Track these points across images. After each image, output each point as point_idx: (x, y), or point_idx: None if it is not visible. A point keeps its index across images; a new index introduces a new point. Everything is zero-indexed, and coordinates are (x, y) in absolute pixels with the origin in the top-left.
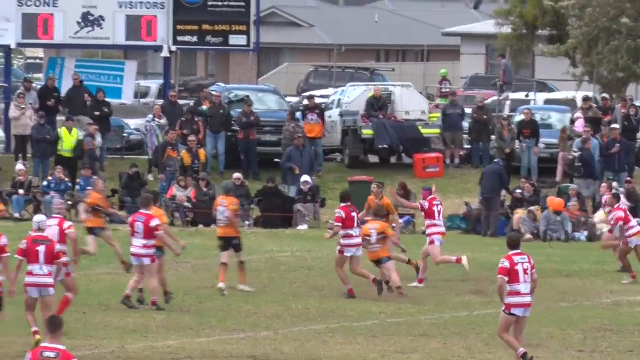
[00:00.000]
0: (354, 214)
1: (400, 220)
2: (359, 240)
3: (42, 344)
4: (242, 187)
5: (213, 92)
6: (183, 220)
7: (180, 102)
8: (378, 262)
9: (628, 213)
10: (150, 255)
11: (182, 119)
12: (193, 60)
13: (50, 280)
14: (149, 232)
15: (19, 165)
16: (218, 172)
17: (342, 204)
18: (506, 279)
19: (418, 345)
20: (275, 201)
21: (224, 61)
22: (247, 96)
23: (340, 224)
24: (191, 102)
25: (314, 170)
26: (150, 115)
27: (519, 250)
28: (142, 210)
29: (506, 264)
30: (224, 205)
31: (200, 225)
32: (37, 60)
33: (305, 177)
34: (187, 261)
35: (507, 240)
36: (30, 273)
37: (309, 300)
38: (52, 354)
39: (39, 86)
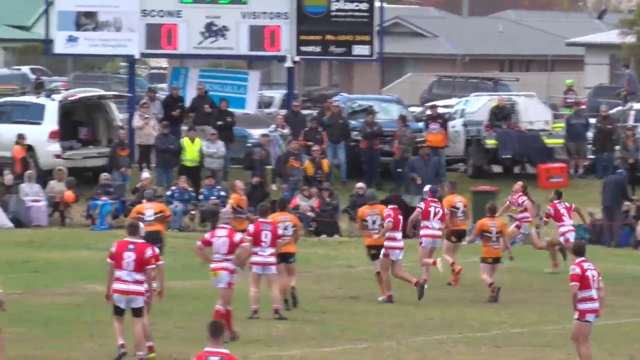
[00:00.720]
0: (400, 217)
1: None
2: (401, 243)
3: (206, 349)
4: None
5: (333, 102)
6: (306, 230)
7: (304, 112)
8: (497, 260)
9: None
10: (276, 263)
11: (306, 129)
12: (317, 70)
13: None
14: (276, 241)
15: (145, 174)
16: (340, 182)
17: (391, 206)
18: (579, 285)
19: (542, 355)
20: None
21: (348, 71)
22: (371, 106)
23: (392, 221)
24: (314, 113)
25: (438, 180)
26: (273, 125)
27: (584, 258)
28: (262, 219)
29: (577, 270)
30: (377, 215)
31: (324, 235)
32: (161, 71)
33: (427, 187)
34: (310, 271)
35: (572, 247)
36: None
37: (431, 310)
38: (216, 358)
39: (162, 96)
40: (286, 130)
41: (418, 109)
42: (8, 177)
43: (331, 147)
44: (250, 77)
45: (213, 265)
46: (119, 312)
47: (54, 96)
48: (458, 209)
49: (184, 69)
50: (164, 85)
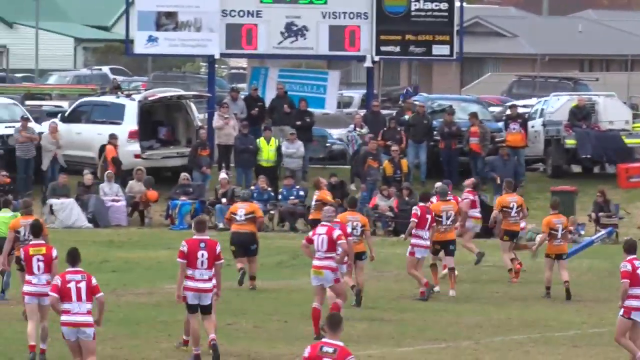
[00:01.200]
0: (428, 215)
1: (603, 231)
2: (428, 242)
3: (323, 340)
4: None
5: (417, 102)
6: (385, 230)
7: (383, 112)
8: (560, 257)
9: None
10: (347, 262)
11: (385, 128)
12: (396, 70)
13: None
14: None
15: (222, 175)
16: (420, 181)
17: (421, 204)
18: (629, 282)
19: (620, 355)
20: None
21: (427, 71)
22: (450, 106)
23: (416, 220)
24: (394, 112)
25: (518, 180)
26: (352, 125)
27: (635, 256)
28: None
29: (629, 267)
30: (451, 210)
31: (403, 235)
32: (241, 71)
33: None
34: (389, 271)
35: (624, 246)
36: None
37: (511, 310)
38: (330, 350)
39: (242, 96)
40: (364, 130)
41: (497, 109)
42: (88, 177)
43: (413, 147)
44: (330, 77)
45: (316, 263)
46: (194, 309)
47: (133, 96)
48: (511, 209)
49: (264, 69)
50: (244, 85)
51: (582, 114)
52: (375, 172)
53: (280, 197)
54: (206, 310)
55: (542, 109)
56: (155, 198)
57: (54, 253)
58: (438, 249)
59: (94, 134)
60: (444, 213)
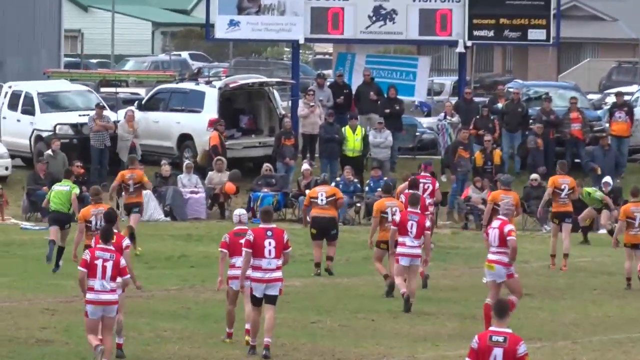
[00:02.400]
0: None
1: None
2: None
3: (491, 328)
4: (541, 188)
5: (511, 89)
6: (477, 223)
7: (476, 99)
8: (636, 246)
9: None
10: (420, 255)
11: (477, 117)
12: (490, 55)
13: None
14: (422, 233)
15: (305, 166)
16: (514, 173)
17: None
18: None
19: None
20: (575, 204)
21: (522, 57)
22: (547, 93)
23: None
24: (487, 100)
25: (618, 171)
26: (442, 114)
27: None
28: (411, 209)
29: None
30: (509, 200)
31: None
32: (326, 56)
33: (606, 179)
34: (482, 266)
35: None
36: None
37: (610, 308)
38: (500, 338)
39: (328, 83)
40: (455, 119)
41: (597, 96)
42: (165, 168)
43: (508, 137)
44: (420, 63)
45: (489, 257)
46: (259, 303)
47: (214, 83)
48: (562, 190)
49: (350, 54)
50: (329, 72)
51: None
52: (466, 162)
53: (367, 188)
54: (272, 300)
55: None
56: (233, 192)
57: (125, 242)
58: None
59: (172, 122)
60: (502, 202)
